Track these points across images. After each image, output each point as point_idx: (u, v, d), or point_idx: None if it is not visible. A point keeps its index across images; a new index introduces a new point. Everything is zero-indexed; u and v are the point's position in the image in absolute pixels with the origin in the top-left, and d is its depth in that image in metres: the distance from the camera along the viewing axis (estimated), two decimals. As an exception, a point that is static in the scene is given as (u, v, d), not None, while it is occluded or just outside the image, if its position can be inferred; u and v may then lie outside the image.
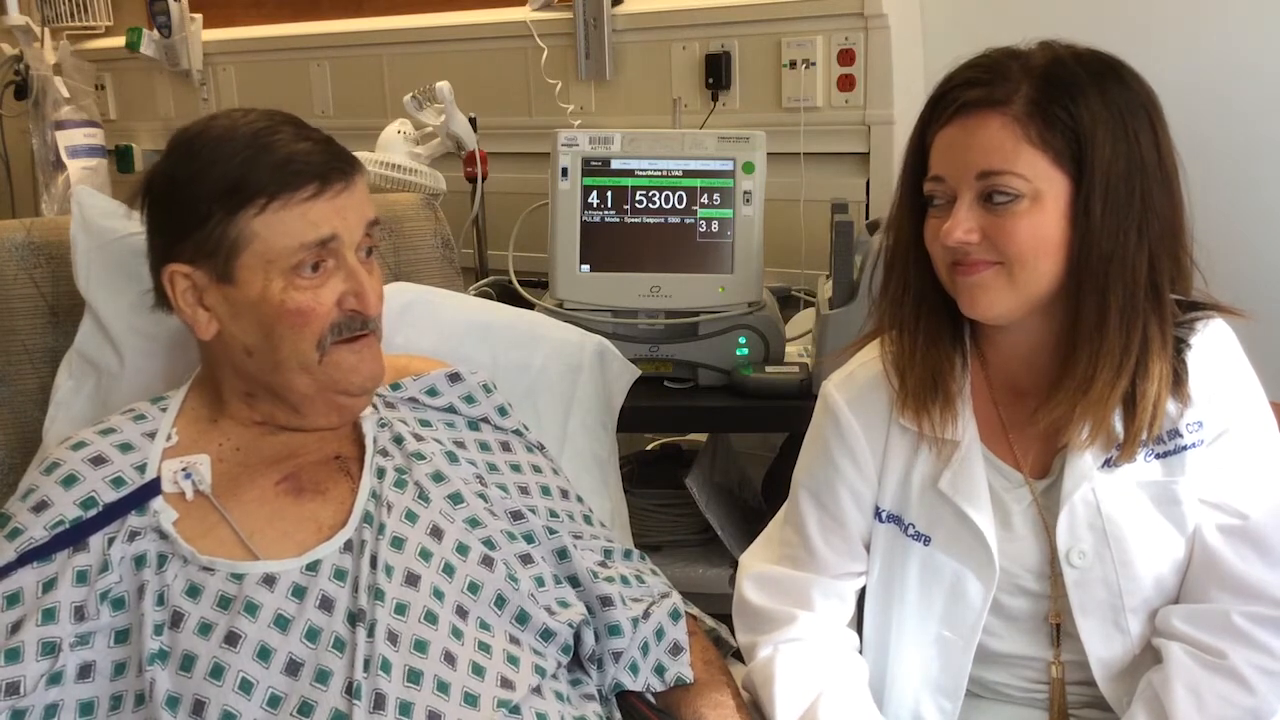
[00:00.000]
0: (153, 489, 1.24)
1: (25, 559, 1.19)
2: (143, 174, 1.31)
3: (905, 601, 1.30)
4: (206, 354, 1.34)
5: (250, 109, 1.30)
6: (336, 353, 1.26)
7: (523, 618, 1.24)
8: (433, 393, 1.42)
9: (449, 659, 1.17)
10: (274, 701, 1.12)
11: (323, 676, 1.13)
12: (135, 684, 1.14)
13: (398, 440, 1.33)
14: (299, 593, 1.17)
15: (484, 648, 1.20)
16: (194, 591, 1.17)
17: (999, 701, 1.33)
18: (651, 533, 2.21)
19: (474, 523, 1.28)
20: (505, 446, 1.42)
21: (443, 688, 1.15)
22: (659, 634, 1.33)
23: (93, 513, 1.21)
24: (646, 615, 1.32)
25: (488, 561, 1.25)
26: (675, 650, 1.33)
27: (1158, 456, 1.22)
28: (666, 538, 2.23)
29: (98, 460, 1.25)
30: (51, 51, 2.93)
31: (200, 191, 1.23)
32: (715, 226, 1.95)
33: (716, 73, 2.33)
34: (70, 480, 1.23)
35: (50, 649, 1.14)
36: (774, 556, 1.38)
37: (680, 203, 1.95)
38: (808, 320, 2.15)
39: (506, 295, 2.10)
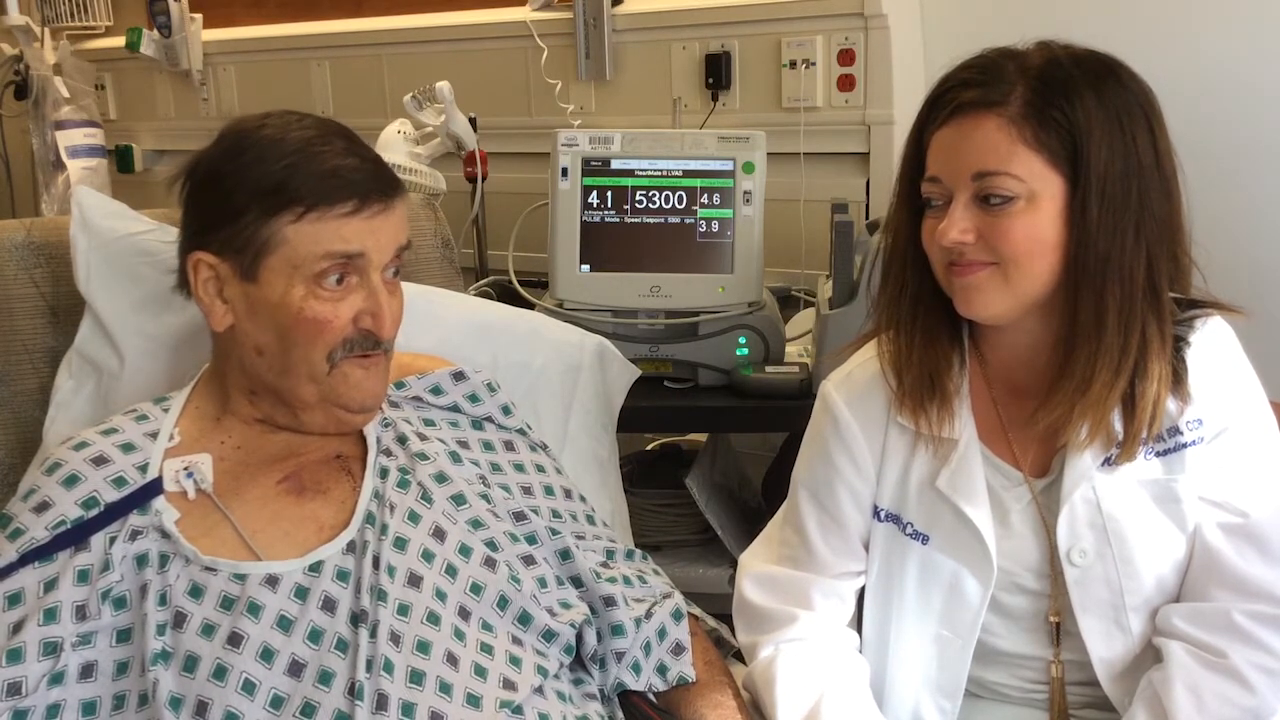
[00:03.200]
0: (154, 488, 1.24)
1: (26, 559, 1.19)
2: (189, 156, 1.31)
3: (904, 601, 1.30)
4: (217, 346, 1.34)
5: (306, 115, 1.30)
6: (345, 366, 1.27)
7: (525, 619, 1.25)
8: (437, 391, 1.42)
9: (451, 660, 1.17)
10: (277, 702, 1.12)
11: (325, 677, 1.13)
12: (138, 684, 1.14)
13: (402, 440, 1.33)
14: (302, 594, 1.17)
15: (486, 649, 1.20)
16: (197, 592, 1.17)
17: (999, 701, 1.33)
18: (651, 533, 2.22)
19: (477, 524, 1.28)
20: (509, 446, 1.42)
21: (445, 689, 1.15)
22: (661, 634, 1.33)
23: (94, 512, 1.21)
24: (649, 615, 1.32)
25: (490, 563, 1.25)
26: (677, 650, 1.33)
27: (1158, 455, 1.22)
28: (666, 538, 2.24)
29: (99, 460, 1.25)
30: (51, 51, 2.93)
31: (241, 187, 1.23)
32: (715, 226, 1.95)
33: (716, 73, 2.33)
34: (72, 480, 1.24)
35: (52, 649, 1.14)
36: (774, 556, 1.38)
37: (680, 203, 1.95)
38: (808, 320, 2.15)
39: (506, 295, 2.10)
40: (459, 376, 1.44)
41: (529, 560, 1.30)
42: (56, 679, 1.14)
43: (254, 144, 1.25)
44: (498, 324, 1.68)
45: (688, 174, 1.95)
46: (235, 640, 1.13)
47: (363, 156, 1.27)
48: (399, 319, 1.30)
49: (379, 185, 1.26)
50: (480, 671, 1.18)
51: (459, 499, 1.29)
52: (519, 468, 1.40)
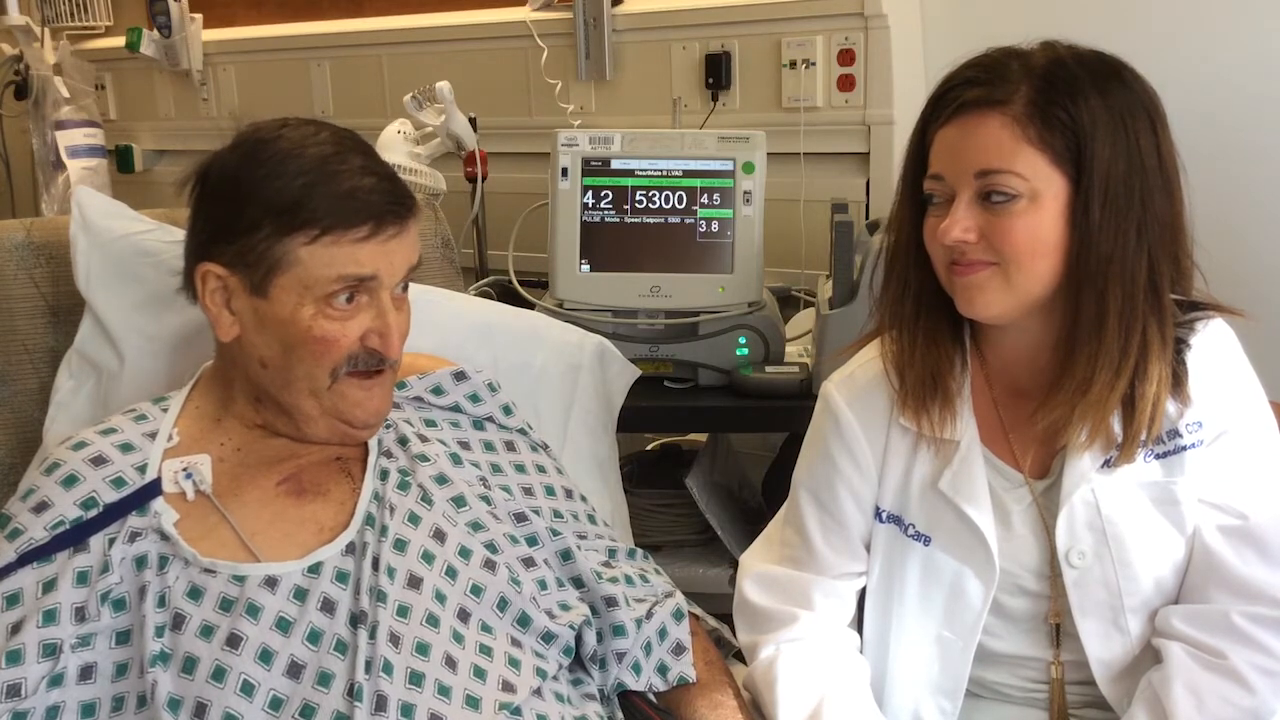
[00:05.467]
0: (153, 489, 1.23)
1: (25, 559, 1.19)
2: (201, 158, 1.29)
3: (905, 601, 1.30)
4: (222, 352, 1.33)
5: (324, 126, 1.28)
6: (346, 384, 1.26)
7: (524, 620, 1.25)
8: (438, 391, 1.42)
9: (450, 662, 1.17)
10: (276, 704, 1.12)
11: (324, 679, 1.13)
12: (137, 685, 1.14)
13: (403, 441, 1.33)
14: (301, 595, 1.17)
15: (485, 650, 1.20)
16: (196, 593, 1.17)
17: (999, 701, 1.33)
18: (651, 533, 2.21)
19: (477, 526, 1.28)
20: (510, 446, 1.42)
21: (444, 690, 1.15)
22: (662, 634, 1.33)
23: (93, 513, 1.21)
24: (649, 615, 1.32)
25: (490, 565, 1.25)
26: (678, 650, 1.33)
27: (1157, 457, 1.22)
28: (666, 538, 2.23)
29: (98, 460, 1.25)
30: (51, 51, 2.93)
31: (255, 201, 1.22)
32: (715, 226, 1.95)
33: (716, 73, 2.33)
34: (71, 480, 1.23)
35: (51, 650, 1.14)
36: (774, 556, 1.38)
37: (680, 203, 1.95)
38: (808, 320, 2.15)
39: (506, 295, 2.10)
40: (460, 376, 1.44)
41: (529, 562, 1.29)
42: (56, 681, 1.14)
43: (270, 156, 1.24)
44: (498, 324, 1.68)
45: (688, 174, 1.95)
46: (234, 641, 1.13)
47: (379, 175, 1.26)
48: (406, 335, 1.30)
49: (395, 207, 1.25)
50: (479, 673, 1.18)
51: (459, 501, 1.29)
52: (520, 468, 1.40)
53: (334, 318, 1.23)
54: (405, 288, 1.31)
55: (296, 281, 1.22)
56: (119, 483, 1.24)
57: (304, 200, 1.21)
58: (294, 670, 1.13)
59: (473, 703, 1.15)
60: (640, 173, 1.96)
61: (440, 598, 1.20)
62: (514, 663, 1.21)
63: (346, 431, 1.30)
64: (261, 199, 1.22)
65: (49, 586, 1.17)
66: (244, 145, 1.27)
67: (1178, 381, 1.20)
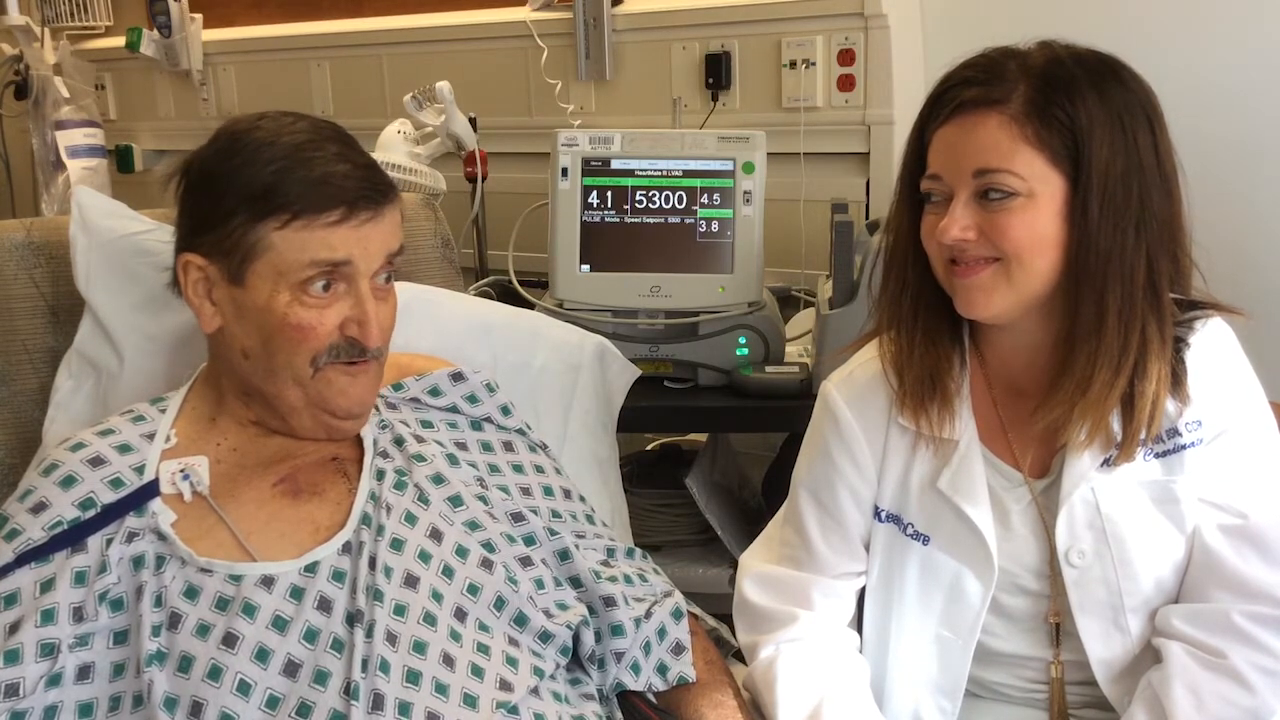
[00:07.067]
0: (151, 490, 1.24)
1: (23, 559, 1.19)
2: (186, 154, 1.31)
3: (904, 601, 1.30)
4: (210, 347, 1.34)
5: (303, 116, 1.29)
6: (330, 371, 1.26)
7: (521, 620, 1.24)
8: (435, 392, 1.42)
9: (447, 660, 1.17)
10: (272, 703, 1.12)
11: (321, 677, 1.13)
12: (134, 685, 1.14)
13: (399, 442, 1.33)
14: (297, 594, 1.17)
15: (482, 649, 1.20)
16: (192, 593, 1.17)
17: (999, 701, 1.33)
18: (651, 533, 2.21)
19: (473, 525, 1.28)
20: (508, 446, 1.42)
21: (441, 689, 1.15)
22: (661, 633, 1.33)
23: (91, 514, 1.21)
24: (649, 615, 1.32)
25: (487, 564, 1.25)
26: (677, 650, 1.33)
27: (1157, 456, 1.22)
28: (666, 538, 2.23)
29: (96, 461, 1.25)
30: (51, 51, 2.93)
31: (230, 190, 1.23)
32: (715, 226, 1.95)
33: (716, 73, 2.33)
34: (69, 481, 1.23)
35: (49, 650, 1.14)
36: (774, 556, 1.38)
37: (680, 203, 1.95)
38: (808, 320, 2.15)
39: (506, 295, 2.10)
40: (457, 377, 1.44)
41: (526, 561, 1.29)
42: (54, 680, 1.14)
43: (245, 146, 1.25)
44: (498, 324, 1.68)
45: (688, 174, 1.95)
46: (230, 640, 1.13)
47: (355, 162, 1.26)
48: (389, 327, 1.30)
49: (368, 192, 1.25)
50: (477, 672, 1.18)
51: (456, 500, 1.29)
52: (517, 468, 1.40)
53: (310, 305, 1.23)
54: (389, 279, 1.30)
55: (271, 268, 1.23)
56: (117, 483, 1.24)
57: (276, 186, 1.22)
58: (290, 669, 1.13)
59: (470, 701, 1.15)
60: (640, 173, 1.96)
61: (437, 596, 1.20)
62: (511, 661, 1.21)
63: (330, 423, 1.30)
64: (236, 187, 1.23)
65: (47, 586, 1.17)
66: (221, 138, 1.28)
67: (1177, 380, 1.20)
